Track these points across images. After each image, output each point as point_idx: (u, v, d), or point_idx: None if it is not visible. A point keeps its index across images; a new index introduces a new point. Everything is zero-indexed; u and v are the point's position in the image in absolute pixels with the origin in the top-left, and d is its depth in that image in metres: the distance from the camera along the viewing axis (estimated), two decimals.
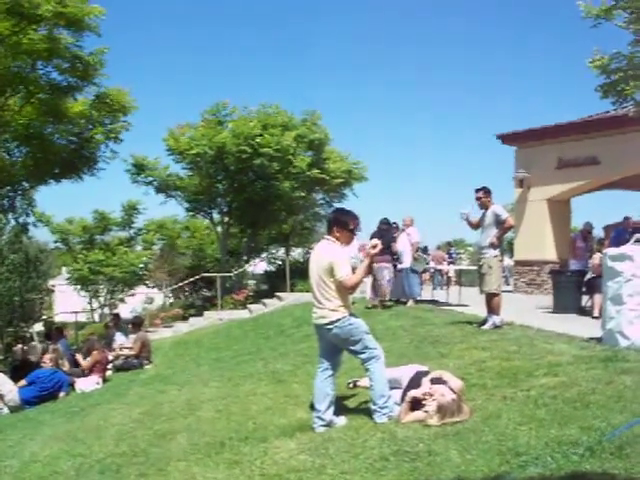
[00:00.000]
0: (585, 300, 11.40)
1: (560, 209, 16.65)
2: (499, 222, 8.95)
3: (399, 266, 12.82)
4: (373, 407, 5.45)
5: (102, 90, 16.64)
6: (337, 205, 24.93)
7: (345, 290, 5.41)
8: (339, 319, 5.39)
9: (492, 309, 9.06)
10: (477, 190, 9.23)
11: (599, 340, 7.38)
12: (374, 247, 5.55)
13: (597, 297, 10.00)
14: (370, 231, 12.88)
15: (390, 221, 12.93)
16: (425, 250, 20.04)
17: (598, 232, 16.17)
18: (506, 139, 17.25)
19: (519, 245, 17.29)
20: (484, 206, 9.17)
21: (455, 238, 41.63)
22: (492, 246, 8.94)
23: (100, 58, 15.56)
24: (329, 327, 5.43)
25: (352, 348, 5.50)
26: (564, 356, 6.52)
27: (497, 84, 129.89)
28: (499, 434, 4.38)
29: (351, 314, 5.51)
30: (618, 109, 10.62)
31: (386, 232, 12.50)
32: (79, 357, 12.11)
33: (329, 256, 5.44)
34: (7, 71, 14.52)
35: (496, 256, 8.96)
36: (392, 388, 5.58)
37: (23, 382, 10.60)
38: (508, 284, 21.61)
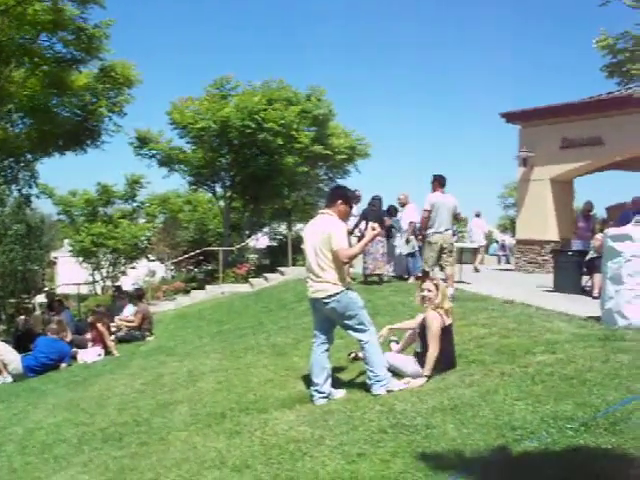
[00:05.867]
0: (585, 280, 11.44)
1: (563, 189, 16.60)
2: None
3: (404, 251, 13.04)
4: (370, 381, 5.53)
5: (107, 63, 16.56)
6: (340, 181, 25.05)
7: (341, 261, 5.41)
8: (337, 293, 5.41)
9: None
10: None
11: (598, 319, 7.42)
12: (374, 229, 5.64)
13: (597, 277, 10.02)
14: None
15: (381, 197, 12.96)
16: None
17: (600, 213, 16.14)
18: (510, 118, 17.13)
19: (521, 224, 17.26)
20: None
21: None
22: None
23: (105, 31, 15.47)
24: (326, 301, 5.45)
25: (347, 322, 5.54)
26: (562, 334, 6.58)
27: (502, 63, 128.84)
28: (496, 409, 4.45)
29: (348, 288, 5.55)
30: (623, 90, 10.57)
31: (378, 207, 12.71)
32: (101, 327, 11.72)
33: (329, 228, 5.46)
34: (11, 42, 14.42)
35: None
36: (393, 374, 5.69)
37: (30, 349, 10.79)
38: (509, 262, 21.68)
